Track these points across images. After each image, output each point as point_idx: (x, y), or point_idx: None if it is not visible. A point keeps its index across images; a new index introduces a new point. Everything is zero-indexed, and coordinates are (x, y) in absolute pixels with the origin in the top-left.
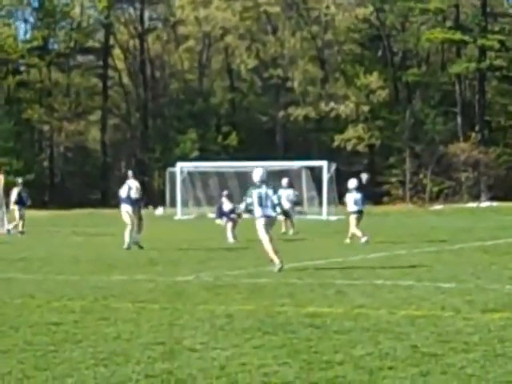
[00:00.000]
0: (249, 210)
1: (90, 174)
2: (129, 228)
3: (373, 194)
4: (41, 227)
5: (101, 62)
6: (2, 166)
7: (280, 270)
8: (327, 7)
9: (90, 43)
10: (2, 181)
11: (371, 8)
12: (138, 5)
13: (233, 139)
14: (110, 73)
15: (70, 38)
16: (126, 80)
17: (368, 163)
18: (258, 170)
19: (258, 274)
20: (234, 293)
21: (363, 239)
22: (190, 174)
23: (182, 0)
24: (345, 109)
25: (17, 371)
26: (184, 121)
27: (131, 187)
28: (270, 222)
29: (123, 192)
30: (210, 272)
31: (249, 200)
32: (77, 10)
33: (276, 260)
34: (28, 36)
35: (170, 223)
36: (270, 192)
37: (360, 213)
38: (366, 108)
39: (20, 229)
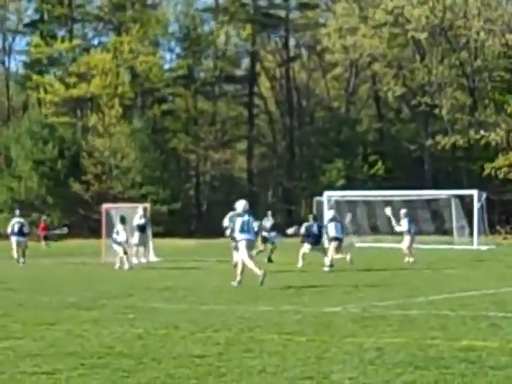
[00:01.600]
0: (231, 236)
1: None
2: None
3: None
4: (186, 256)
5: (246, 91)
6: (149, 195)
7: (262, 281)
8: (477, 33)
9: (236, 71)
10: (148, 209)
11: None
12: (282, 32)
13: (380, 168)
14: (256, 101)
15: (215, 67)
16: (272, 108)
17: None
18: (241, 201)
19: (408, 306)
20: (384, 325)
21: None
22: (336, 202)
23: (328, 27)
24: (495, 136)
25: None
26: (330, 149)
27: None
28: (250, 244)
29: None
30: (358, 303)
31: (231, 225)
32: (221, 38)
33: (258, 272)
34: (173, 65)
35: (317, 252)
36: (251, 220)
37: None
38: None
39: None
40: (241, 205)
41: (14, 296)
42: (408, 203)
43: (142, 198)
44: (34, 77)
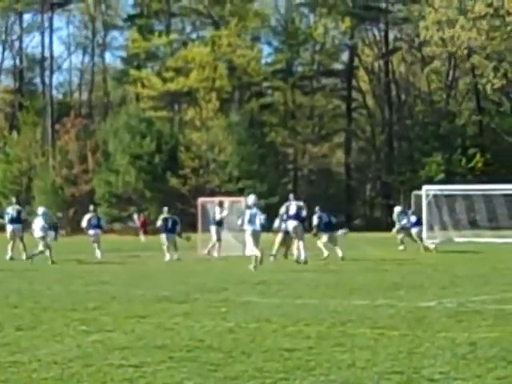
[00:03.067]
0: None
1: (334, 197)
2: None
3: None
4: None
5: (345, 84)
6: (246, 189)
7: (255, 267)
8: None
9: (334, 65)
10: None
11: None
12: (382, 25)
13: (479, 161)
14: (354, 95)
15: (313, 60)
16: (370, 102)
17: None
18: (251, 196)
19: (504, 300)
20: (478, 319)
21: None
22: (435, 197)
23: (426, 20)
24: None
25: None
26: (429, 143)
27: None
28: (255, 234)
29: None
30: (454, 298)
31: (242, 218)
32: (320, 32)
33: (253, 261)
34: (271, 59)
35: (414, 247)
36: (258, 213)
37: None
38: None
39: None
40: (251, 199)
41: (108, 289)
42: (508, 197)
43: (239, 192)
44: (132, 71)
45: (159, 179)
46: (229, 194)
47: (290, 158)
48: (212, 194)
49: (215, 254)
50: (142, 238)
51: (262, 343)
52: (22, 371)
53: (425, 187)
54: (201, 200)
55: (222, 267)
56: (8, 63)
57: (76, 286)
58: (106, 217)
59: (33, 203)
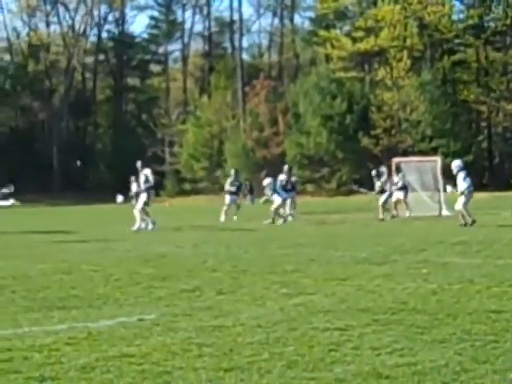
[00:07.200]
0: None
1: None
2: None
3: None
4: (480, 210)
5: None
6: (440, 148)
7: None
8: None
9: None
10: (439, 163)
11: None
12: None
13: None
14: None
15: (506, 15)
16: None
17: None
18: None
19: None
20: None
21: None
22: None
23: None
24: None
25: (454, 363)
26: None
27: None
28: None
29: None
30: None
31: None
32: None
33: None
34: (463, 15)
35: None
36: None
37: None
38: None
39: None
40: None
41: (305, 251)
42: None
43: (433, 151)
44: (321, 32)
45: (351, 140)
46: (422, 153)
47: (483, 116)
48: (405, 153)
49: (405, 214)
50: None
51: (467, 305)
52: (226, 335)
53: None
54: (395, 160)
55: (418, 228)
56: (198, 27)
57: (272, 249)
58: (299, 179)
59: (224, 166)
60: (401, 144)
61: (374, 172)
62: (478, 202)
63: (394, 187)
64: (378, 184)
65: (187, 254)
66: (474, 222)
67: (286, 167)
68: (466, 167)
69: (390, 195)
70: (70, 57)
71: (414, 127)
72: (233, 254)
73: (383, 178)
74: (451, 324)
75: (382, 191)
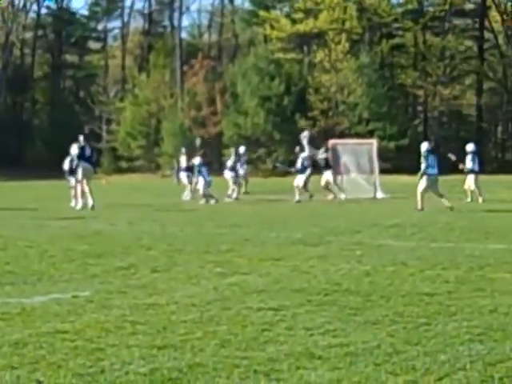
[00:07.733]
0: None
1: (465, 140)
2: None
3: None
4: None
5: (476, 25)
6: (376, 131)
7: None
8: None
9: (466, 5)
10: (375, 145)
11: None
12: None
13: None
14: (486, 35)
15: (444, 0)
16: (502, 42)
17: None
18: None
19: None
20: None
21: None
22: None
23: None
24: None
25: (386, 345)
26: None
27: None
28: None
29: None
30: None
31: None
32: None
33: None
34: None
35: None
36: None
37: None
38: None
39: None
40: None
41: (241, 231)
42: None
43: (369, 134)
44: (261, 13)
45: (288, 121)
46: (358, 135)
47: (420, 100)
48: (341, 135)
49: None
50: None
51: (400, 287)
52: (160, 313)
53: None
54: (331, 142)
55: (353, 210)
56: (138, 5)
57: (207, 228)
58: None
59: (161, 144)
60: (338, 126)
61: (297, 148)
62: (410, 186)
63: (318, 157)
64: (299, 161)
65: (122, 231)
66: (422, 209)
67: (242, 148)
68: (433, 151)
69: (310, 176)
70: (9, 32)
71: (351, 110)
72: (168, 232)
73: (304, 154)
74: (384, 306)
75: (304, 169)
